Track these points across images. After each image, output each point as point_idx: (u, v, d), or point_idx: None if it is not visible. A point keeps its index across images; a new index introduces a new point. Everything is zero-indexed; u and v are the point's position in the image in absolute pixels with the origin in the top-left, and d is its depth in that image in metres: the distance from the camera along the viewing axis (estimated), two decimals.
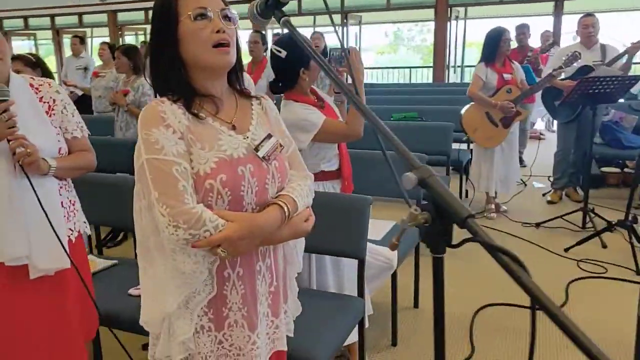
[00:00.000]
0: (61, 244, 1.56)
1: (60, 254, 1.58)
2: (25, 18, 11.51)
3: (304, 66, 2.12)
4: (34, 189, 1.55)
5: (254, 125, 1.30)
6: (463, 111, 4.29)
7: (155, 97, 1.27)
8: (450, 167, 4.20)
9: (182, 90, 1.23)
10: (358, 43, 10.55)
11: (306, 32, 12.90)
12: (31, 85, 1.71)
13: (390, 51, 19.44)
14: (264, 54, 4.66)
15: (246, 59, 4.72)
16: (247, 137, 1.26)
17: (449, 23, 8.85)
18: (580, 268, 3.45)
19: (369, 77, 11.37)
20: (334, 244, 2.12)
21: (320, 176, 2.26)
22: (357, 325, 2.09)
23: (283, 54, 2.10)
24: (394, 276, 2.55)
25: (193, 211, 1.12)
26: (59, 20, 11.38)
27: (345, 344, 2.37)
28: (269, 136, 1.29)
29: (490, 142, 4.24)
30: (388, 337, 2.67)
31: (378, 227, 2.84)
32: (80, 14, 11.17)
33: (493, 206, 4.56)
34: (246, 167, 1.21)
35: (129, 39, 11.18)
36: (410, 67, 12.08)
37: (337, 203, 2.14)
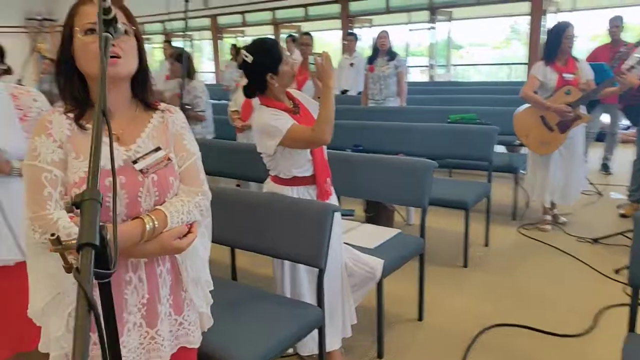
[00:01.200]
0: (14, 237, 1.75)
1: (13, 247, 1.77)
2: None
3: (272, 71, 2.14)
4: None
5: (142, 138, 1.34)
6: (516, 113, 3.98)
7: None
8: (493, 174, 3.91)
9: (76, 102, 1.32)
10: (448, 39, 10.16)
11: (395, 30, 12.69)
12: (12, 93, 1.92)
13: (506, 46, 18.37)
14: None
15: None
16: (130, 149, 1.31)
17: (544, 16, 8.19)
18: (626, 294, 3.06)
19: (478, 75, 10.75)
20: (294, 251, 2.12)
21: (293, 181, 2.27)
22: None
23: (249, 58, 2.14)
24: (379, 285, 2.47)
25: (49, 217, 1.19)
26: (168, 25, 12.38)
27: (326, 350, 2.38)
28: (156, 149, 1.33)
29: (544, 148, 3.89)
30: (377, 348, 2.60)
31: (378, 234, 2.78)
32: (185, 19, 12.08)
33: (549, 217, 4.18)
34: (117, 179, 1.26)
35: (230, 41, 11.83)
36: (510, 64, 11.34)
37: (298, 209, 2.14)
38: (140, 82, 1.38)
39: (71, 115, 1.30)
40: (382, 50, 5.55)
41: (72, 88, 1.31)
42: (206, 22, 11.67)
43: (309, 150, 2.23)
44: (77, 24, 1.28)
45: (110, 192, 1.24)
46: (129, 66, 1.31)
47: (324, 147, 2.34)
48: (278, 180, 2.29)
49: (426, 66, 10.02)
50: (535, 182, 4.07)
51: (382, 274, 2.44)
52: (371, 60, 5.68)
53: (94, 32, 1.26)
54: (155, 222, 1.26)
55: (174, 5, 11.83)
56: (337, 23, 9.96)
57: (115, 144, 1.29)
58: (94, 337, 1.30)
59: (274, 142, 2.13)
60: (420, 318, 2.89)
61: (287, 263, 2.30)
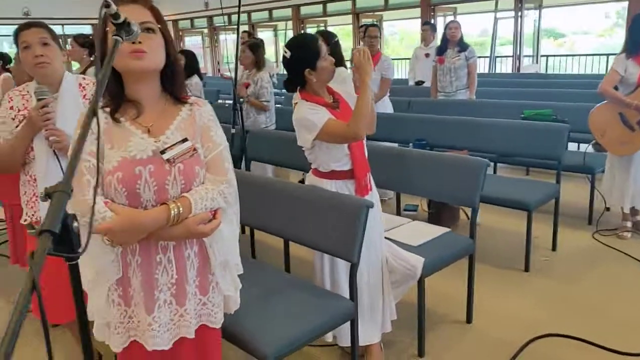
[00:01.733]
0: None
1: None
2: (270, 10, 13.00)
3: (310, 67, 2.15)
4: (61, 167, 1.94)
5: (171, 130, 1.43)
6: (592, 110, 3.70)
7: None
8: (569, 174, 3.67)
9: (112, 96, 1.43)
10: (537, 28, 9.58)
11: (483, 18, 12.07)
12: (80, 84, 2.11)
13: (610, 34, 17.01)
14: (379, 48, 4.64)
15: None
16: (159, 140, 1.40)
17: None
18: None
19: (576, 66, 10.02)
20: (329, 243, 2.13)
21: (331, 175, 2.28)
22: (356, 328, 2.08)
23: (288, 54, 2.17)
24: (421, 283, 2.42)
25: (87, 203, 1.31)
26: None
27: (364, 344, 2.39)
28: (183, 140, 1.42)
29: (622, 148, 3.58)
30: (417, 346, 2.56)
31: (425, 232, 2.72)
32: (270, 9, 12.35)
33: (629, 224, 3.86)
34: (145, 168, 1.36)
35: (310, 31, 11.96)
36: (608, 54, 10.47)
37: (334, 202, 2.14)
38: (169, 77, 1.46)
39: (107, 109, 1.41)
40: (452, 41, 5.38)
41: (110, 84, 1.41)
42: (289, 12, 11.85)
43: (346, 145, 2.22)
44: (109, 25, 1.37)
45: (140, 180, 1.34)
46: (154, 61, 1.39)
47: (364, 142, 2.32)
48: (318, 173, 2.31)
49: (509, 56, 9.51)
50: (614, 185, 3.77)
51: (423, 272, 2.39)
52: (441, 51, 5.51)
53: None
54: (181, 208, 1.36)
55: None
56: (418, 12, 9.72)
57: (145, 135, 1.40)
58: (129, 310, 1.45)
59: (310, 136, 2.15)
60: (468, 320, 2.79)
61: (326, 255, 2.32)
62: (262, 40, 4.55)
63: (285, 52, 2.18)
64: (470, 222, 2.69)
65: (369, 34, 4.61)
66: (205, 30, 14.36)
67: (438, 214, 4.13)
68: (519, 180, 4.02)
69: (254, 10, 12.64)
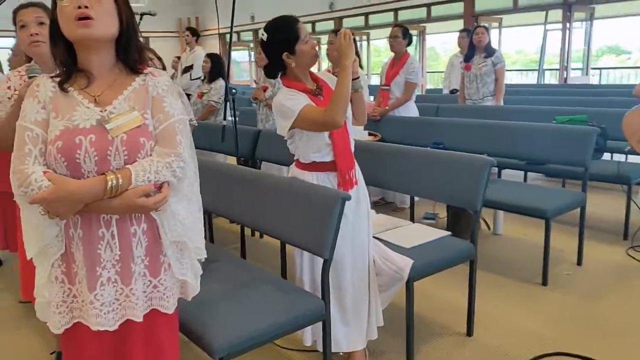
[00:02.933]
0: None
1: None
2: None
3: (288, 50, 2.05)
4: None
5: (119, 100, 1.36)
6: (627, 113, 3.39)
7: None
8: (606, 185, 3.37)
9: (63, 66, 1.38)
10: (587, 38, 9.11)
11: (530, 31, 11.63)
12: None
13: None
14: (405, 49, 4.48)
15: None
16: (105, 110, 1.34)
17: None
18: None
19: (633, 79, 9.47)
20: (301, 238, 2.01)
21: (312, 166, 2.16)
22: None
23: (265, 37, 2.08)
24: (409, 288, 2.24)
25: (26, 171, 1.26)
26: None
27: (347, 350, 2.23)
28: (131, 111, 1.35)
29: None
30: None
31: (421, 235, 2.54)
32: (313, 22, 12.42)
33: None
34: (87, 137, 1.29)
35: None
36: None
37: (307, 193, 2.02)
38: (122, 46, 1.39)
39: (57, 79, 1.37)
40: (479, 47, 5.16)
41: (59, 53, 1.37)
42: (331, 25, 11.86)
43: (327, 134, 2.09)
44: None
45: (80, 149, 1.27)
46: (102, 29, 1.32)
47: (349, 134, 2.19)
48: (299, 164, 2.20)
49: (556, 69, 9.07)
50: None
51: (411, 275, 2.21)
52: (468, 57, 5.30)
53: None
54: (120, 179, 1.27)
55: (301, 9, 12.30)
56: (461, 24, 9.48)
57: (91, 105, 1.35)
58: (73, 288, 1.38)
59: (287, 123, 2.05)
60: (469, 333, 2.57)
61: (306, 252, 2.18)
62: None
63: (263, 34, 2.09)
64: (472, 226, 2.48)
65: (390, 34, 4.49)
66: (251, 45, 14.60)
67: (455, 222, 3.90)
68: (539, 187, 3.76)
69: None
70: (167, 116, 1.39)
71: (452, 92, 6.68)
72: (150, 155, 1.35)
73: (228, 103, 3.01)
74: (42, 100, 1.33)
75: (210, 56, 5.12)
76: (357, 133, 4.35)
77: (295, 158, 2.23)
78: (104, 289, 1.35)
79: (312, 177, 2.15)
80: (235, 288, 2.01)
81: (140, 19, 3.97)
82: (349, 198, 1.98)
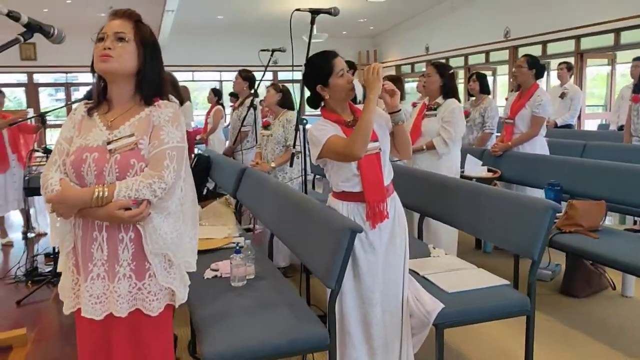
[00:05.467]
0: None
1: None
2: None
3: (322, 83, 2.13)
4: None
5: (125, 126, 1.64)
6: None
7: None
8: None
9: (96, 95, 1.72)
10: None
11: None
12: None
13: None
14: (534, 80, 4.11)
15: None
16: (112, 133, 1.63)
17: None
18: None
19: None
20: (314, 263, 2.06)
21: (342, 196, 2.19)
22: None
23: (304, 70, 2.19)
24: (440, 336, 2.10)
25: (47, 176, 1.61)
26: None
27: None
28: (130, 136, 1.62)
29: None
30: None
31: (474, 279, 2.35)
32: (487, 52, 11.97)
33: None
34: (91, 154, 1.59)
35: None
36: None
37: (322, 221, 2.06)
38: (140, 82, 1.66)
39: (89, 105, 1.71)
40: None
41: (95, 86, 1.71)
42: (506, 54, 11.29)
43: (354, 165, 2.11)
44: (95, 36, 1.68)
45: (84, 164, 1.58)
46: (119, 65, 1.60)
47: (382, 163, 2.15)
48: (333, 194, 2.25)
49: None
50: None
51: (439, 321, 2.07)
52: (637, 89, 4.60)
53: (101, 40, 1.62)
54: (106, 192, 1.53)
55: (475, 38, 11.98)
56: None
57: (104, 128, 1.65)
58: (79, 278, 1.65)
59: (315, 151, 2.12)
60: None
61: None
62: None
63: (304, 67, 2.22)
64: (529, 276, 2.21)
65: (515, 64, 4.20)
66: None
67: (572, 274, 3.44)
68: None
69: (471, 53, 12.44)
70: (161, 143, 1.60)
71: (620, 128, 5.87)
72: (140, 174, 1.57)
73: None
74: (74, 122, 1.67)
75: (276, 87, 5.02)
76: (476, 169, 4.16)
77: (330, 187, 2.28)
78: (94, 282, 1.60)
79: (342, 207, 2.18)
80: (257, 306, 2.14)
81: (272, 55, 4.37)
82: (360, 231, 1.97)
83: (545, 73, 8.58)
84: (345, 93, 2.15)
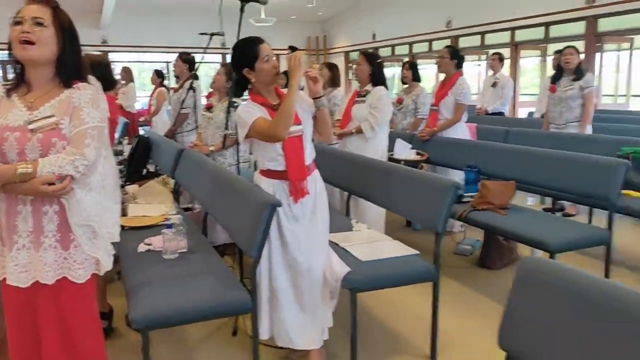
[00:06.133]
0: None
1: None
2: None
3: (248, 66, 2.29)
4: None
5: (45, 107, 1.72)
6: None
7: None
8: (612, 218, 3.06)
9: (15, 78, 1.80)
10: None
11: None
12: None
13: None
14: (455, 69, 4.41)
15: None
16: (32, 114, 1.71)
17: None
18: None
19: None
20: (239, 236, 2.25)
21: (268, 174, 2.36)
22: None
23: (231, 54, 2.35)
24: (354, 300, 2.33)
25: None
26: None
27: (304, 347, 2.40)
28: (50, 116, 1.71)
29: None
30: None
31: (389, 250, 2.59)
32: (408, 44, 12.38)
33: None
34: (13, 133, 1.67)
35: (473, 63, 11.59)
36: None
37: (246, 196, 2.24)
38: (59, 66, 1.74)
39: (7, 86, 1.78)
40: (567, 69, 4.85)
41: (15, 69, 1.79)
42: (448, 44, 11.69)
43: (279, 146, 2.28)
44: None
45: (6, 143, 1.67)
46: (40, 53, 1.68)
47: (305, 147, 2.34)
48: (260, 171, 2.42)
49: None
50: None
51: (353, 286, 2.30)
52: (554, 79, 5.01)
53: (19, 23, 1.69)
54: (29, 168, 1.62)
55: (419, 27, 12.35)
56: (582, 45, 8.78)
57: (24, 109, 1.72)
58: (4, 249, 1.74)
59: (242, 132, 2.28)
60: (432, 356, 2.55)
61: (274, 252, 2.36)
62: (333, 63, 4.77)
63: (231, 52, 2.37)
64: (435, 247, 2.47)
65: (438, 55, 4.50)
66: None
67: (488, 250, 3.78)
68: (555, 219, 3.46)
69: (415, 42, 12.83)
70: (82, 122, 1.70)
71: (543, 116, 6.32)
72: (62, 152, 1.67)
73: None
74: None
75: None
76: (405, 152, 4.43)
77: (257, 165, 2.46)
78: (19, 253, 1.70)
79: (268, 184, 2.36)
80: (186, 275, 2.29)
81: (210, 38, 4.46)
82: (279, 205, 2.16)
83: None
84: (270, 77, 2.32)
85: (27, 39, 1.65)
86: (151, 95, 7.39)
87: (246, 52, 2.30)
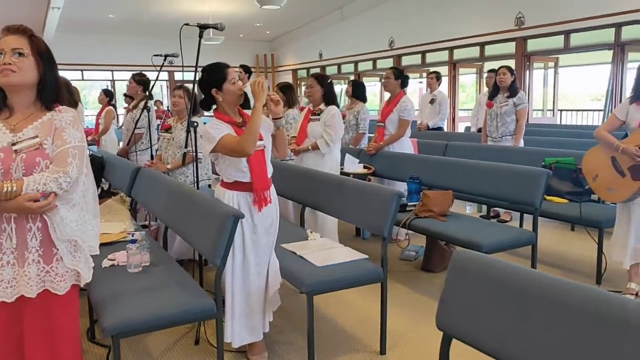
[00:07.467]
0: None
1: None
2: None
3: (216, 87, 2.50)
4: None
5: (29, 129, 1.85)
6: (586, 153, 3.46)
7: None
8: (537, 221, 3.44)
9: None
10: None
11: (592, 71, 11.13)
12: None
13: None
14: (400, 89, 4.77)
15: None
16: (16, 136, 1.83)
17: None
18: None
19: None
20: (202, 245, 2.42)
21: (234, 186, 2.56)
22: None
23: (200, 76, 2.56)
24: (310, 302, 2.53)
25: None
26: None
27: (246, 342, 2.61)
28: (34, 137, 1.84)
29: (610, 194, 3.28)
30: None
31: (341, 256, 2.81)
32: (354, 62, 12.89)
33: (634, 286, 3.43)
34: None
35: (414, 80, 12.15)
36: None
37: (210, 208, 2.42)
38: (40, 91, 1.87)
39: None
40: (502, 87, 5.31)
41: None
42: (391, 62, 12.24)
43: (245, 159, 2.49)
44: None
45: None
46: (20, 78, 1.81)
47: (267, 161, 2.57)
48: (223, 184, 2.61)
49: (601, 110, 8.74)
50: (617, 239, 3.43)
51: (310, 289, 2.51)
52: (491, 96, 5.48)
53: (1, 54, 1.82)
54: (14, 187, 1.73)
55: (364, 47, 12.85)
56: (513, 64, 9.46)
57: (7, 131, 1.83)
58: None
59: (209, 147, 2.47)
60: (382, 351, 2.79)
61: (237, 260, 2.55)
62: (290, 84, 5.00)
63: (200, 74, 2.57)
64: (382, 250, 2.72)
65: (383, 76, 4.83)
66: None
67: (429, 253, 4.09)
68: (489, 224, 3.83)
69: (360, 60, 13.31)
70: (64, 142, 1.83)
71: (479, 131, 6.80)
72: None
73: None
74: None
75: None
76: (354, 166, 4.71)
77: (221, 179, 2.64)
78: (4, 269, 1.80)
79: (232, 196, 2.55)
80: (152, 286, 2.43)
81: (164, 60, 4.61)
82: (242, 217, 2.36)
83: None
84: (235, 98, 2.54)
85: (9, 69, 1.77)
86: (99, 114, 7.36)
87: (215, 74, 2.51)
